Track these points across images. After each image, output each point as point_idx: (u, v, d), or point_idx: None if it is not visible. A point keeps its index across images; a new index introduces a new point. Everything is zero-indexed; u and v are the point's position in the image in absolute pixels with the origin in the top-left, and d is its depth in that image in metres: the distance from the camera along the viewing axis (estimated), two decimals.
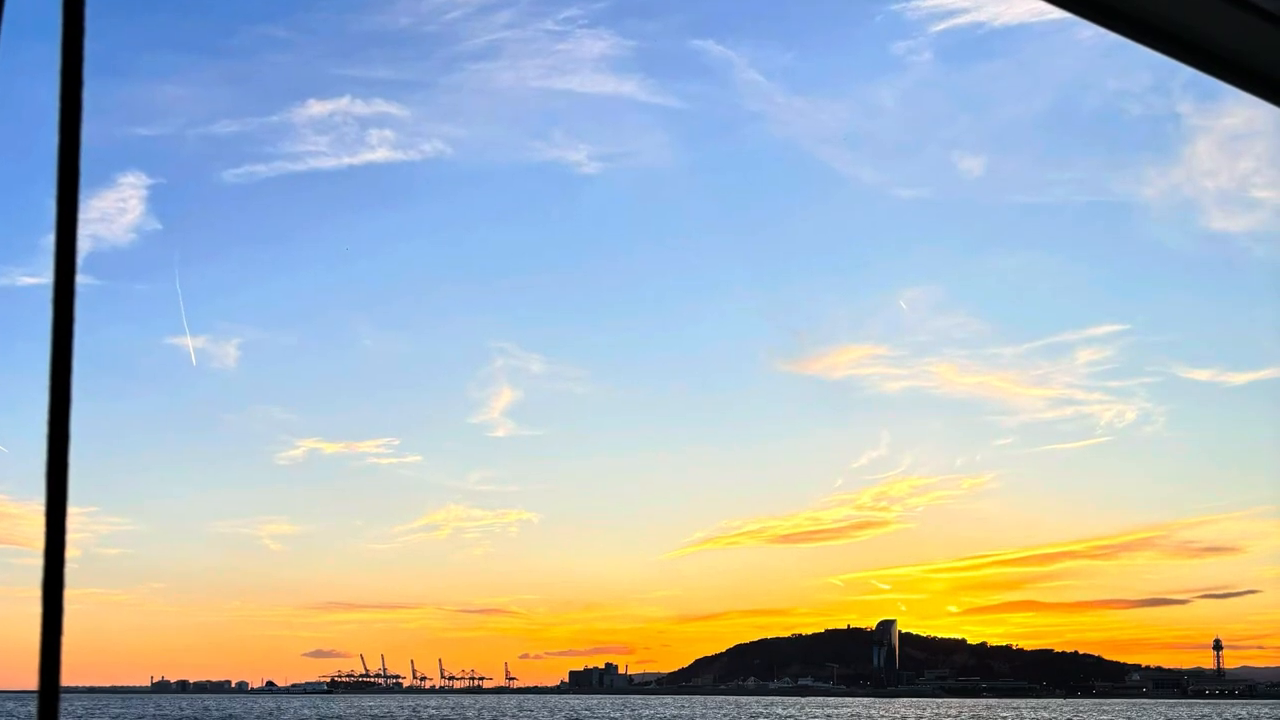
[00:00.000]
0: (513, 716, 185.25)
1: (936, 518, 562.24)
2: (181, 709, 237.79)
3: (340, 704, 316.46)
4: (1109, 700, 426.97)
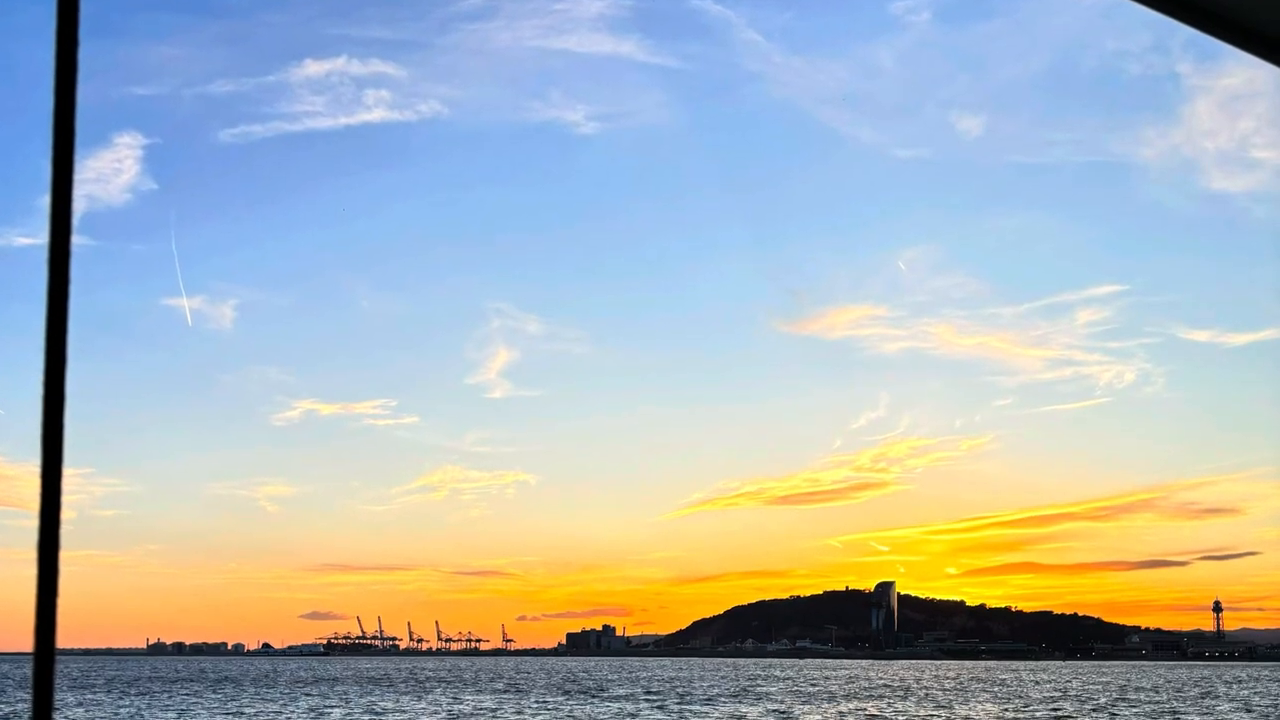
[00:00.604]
0: (510, 679, 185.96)
1: (935, 479, 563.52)
2: (177, 671, 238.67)
3: (337, 666, 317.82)
4: (1108, 662, 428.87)
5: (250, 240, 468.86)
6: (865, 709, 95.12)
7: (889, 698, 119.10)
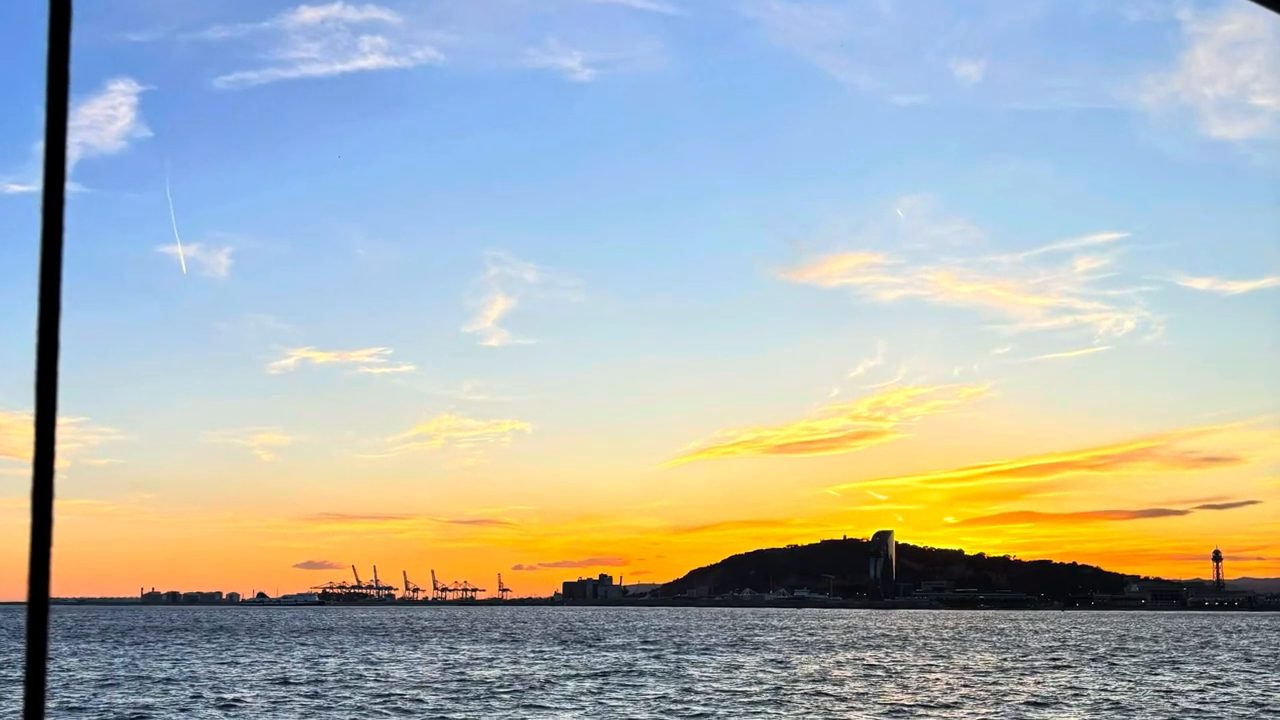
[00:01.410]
0: (506, 629, 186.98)
1: (933, 428, 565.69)
2: (172, 620, 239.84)
3: (332, 615, 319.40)
4: (1108, 612, 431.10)
5: (245, 188, 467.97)
6: (863, 658, 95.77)
7: (887, 647, 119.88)
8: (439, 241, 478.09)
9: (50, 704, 52.19)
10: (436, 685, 64.39)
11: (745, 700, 55.47)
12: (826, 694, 59.84)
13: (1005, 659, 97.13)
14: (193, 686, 63.67)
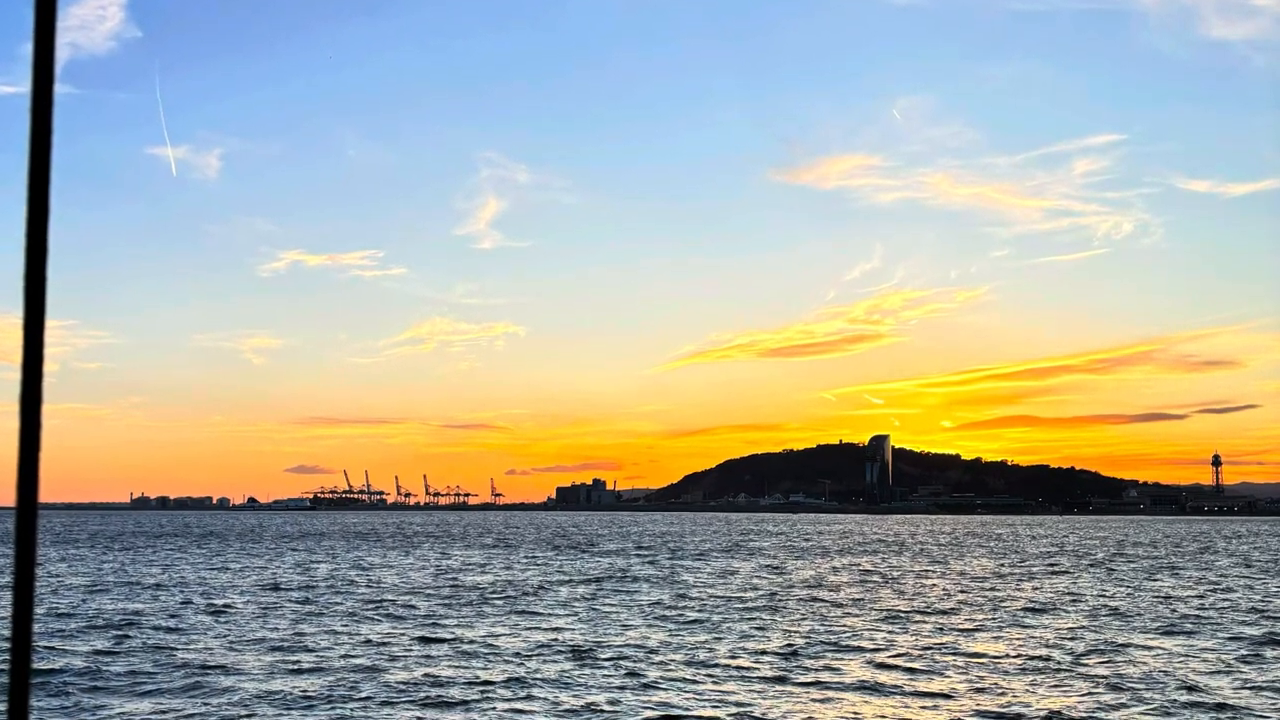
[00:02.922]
0: (499, 534, 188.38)
1: (930, 331, 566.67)
2: (162, 525, 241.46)
3: (323, 520, 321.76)
4: (1106, 517, 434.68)
5: (236, 89, 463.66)
6: (859, 564, 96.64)
7: (883, 552, 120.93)
8: (431, 142, 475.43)
9: (38, 610, 52.63)
10: (429, 591, 64.97)
11: (740, 606, 56.02)
12: (822, 600, 60.44)
13: (1002, 564, 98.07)
14: (182, 592, 64.22)
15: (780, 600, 59.85)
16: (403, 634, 44.03)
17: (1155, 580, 79.28)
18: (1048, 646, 41.87)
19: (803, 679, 33.84)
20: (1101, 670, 36.23)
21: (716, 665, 36.49)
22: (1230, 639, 45.22)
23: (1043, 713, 28.82)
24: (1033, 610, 55.67)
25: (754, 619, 50.09)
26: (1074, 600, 61.81)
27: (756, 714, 28.47)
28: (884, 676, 34.51)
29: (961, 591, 67.15)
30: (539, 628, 46.55)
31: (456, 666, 35.93)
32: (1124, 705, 30.15)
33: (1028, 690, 32.13)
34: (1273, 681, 34.60)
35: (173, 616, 51.00)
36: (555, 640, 42.38)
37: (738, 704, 29.67)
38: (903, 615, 52.89)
